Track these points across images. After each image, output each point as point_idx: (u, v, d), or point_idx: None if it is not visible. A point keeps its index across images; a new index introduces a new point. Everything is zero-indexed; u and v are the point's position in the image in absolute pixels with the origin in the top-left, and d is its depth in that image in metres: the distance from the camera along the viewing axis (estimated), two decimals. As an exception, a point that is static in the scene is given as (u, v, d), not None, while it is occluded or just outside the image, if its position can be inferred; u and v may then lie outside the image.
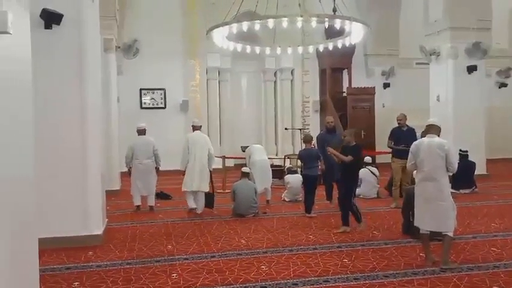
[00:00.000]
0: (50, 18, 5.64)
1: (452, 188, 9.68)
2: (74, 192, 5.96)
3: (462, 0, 11.34)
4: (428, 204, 4.82)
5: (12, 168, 2.95)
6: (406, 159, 7.79)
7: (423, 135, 5.26)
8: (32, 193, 3.47)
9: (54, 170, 5.78)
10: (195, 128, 8.23)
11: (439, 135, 4.91)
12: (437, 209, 4.79)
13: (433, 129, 4.91)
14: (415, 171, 5.10)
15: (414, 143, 5.04)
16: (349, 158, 6.55)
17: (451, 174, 4.97)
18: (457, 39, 11.40)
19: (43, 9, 5.59)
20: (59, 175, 5.86)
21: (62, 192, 5.88)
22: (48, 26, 5.69)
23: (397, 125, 8.50)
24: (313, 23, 9.29)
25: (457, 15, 11.36)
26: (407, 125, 8.36)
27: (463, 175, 9.62)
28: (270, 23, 9.17)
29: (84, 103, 5.96)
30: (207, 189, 7.97)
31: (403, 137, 8.13)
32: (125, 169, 8.78)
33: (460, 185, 9.38)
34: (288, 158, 12.06)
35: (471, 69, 11.40)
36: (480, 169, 11.06)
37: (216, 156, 11.34)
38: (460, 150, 10.34)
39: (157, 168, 8.46)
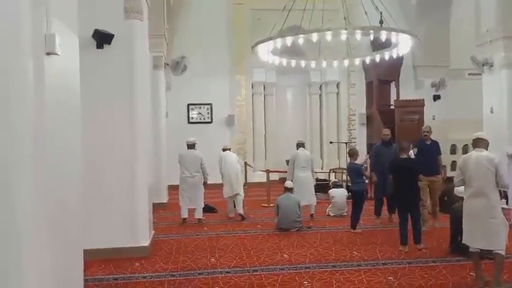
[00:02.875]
0: (102, 39, 5.94)
1: (506, 203, 9.29)
2: (123, 204, 6.17)
3: (517, 7, 10.85)
4: (477, 221, 4.62)
5: (60, 182, 3.12)
6: (431, 175, 7.25)
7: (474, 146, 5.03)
8: (78, 204, 3.64)
9: (104, 182, 6.03)
10: (225, 149, 9.39)
11: (487, 149, 4.71)
12: (487, 226, 4.58)
13: (481, 142, 4.72)
14: (463, 187, 4.89)
15: (462, 157, 4.87)
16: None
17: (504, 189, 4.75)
18: (511, 48, 10.90)
19: (95, 30, 5.90)
20: (108, 187, 6.09)
21: (110, 204, 6.11)
22: (99, 46, 6.00)
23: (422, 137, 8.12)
24: (358, 35, 9.25)
25: (511, 24, 10.89)
26: (431, 139, 8.01)
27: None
28: (314, 36, 9.18)
29: (133, 119, 6.20)
30: (242, 192, 9.03)
31: (426, 150, 7.77)
32: (172, 182, 9.11)
33: (516, 201, 8.88)
34: (333, 171, 11.93)
35: (527, 79, 10.83)
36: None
37: (260, 170, 11.61)
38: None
39: (205, 183, 8.66)
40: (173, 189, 10.47)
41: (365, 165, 8.47)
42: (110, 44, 6.00)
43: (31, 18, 2.37)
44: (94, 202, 5.64)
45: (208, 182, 8.71)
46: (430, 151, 7.81)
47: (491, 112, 11.48)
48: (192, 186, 8.52)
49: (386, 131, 8.73)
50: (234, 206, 8.95)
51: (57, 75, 2.83)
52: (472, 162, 4.65)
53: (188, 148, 8.67)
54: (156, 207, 8.39)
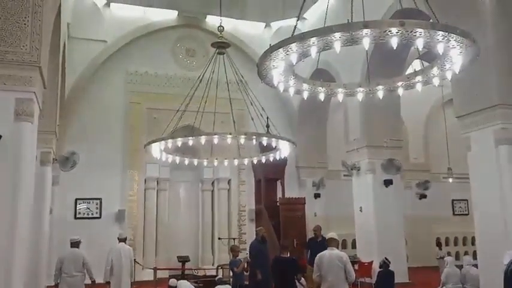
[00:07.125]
0: (-13, 140, 6.00)
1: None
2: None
3: (377, 122, 12.82)
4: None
5: None
6: None
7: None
8: None
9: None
10: (120, 240, 8.88)
11: (337, 247, 5.52)
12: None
13: (333, 242, 5.55)
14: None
15: (318, 254, 5.61)
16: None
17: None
18: (373, 156, 12.70)
19: (-20, 132, 5.97)
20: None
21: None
22: (-16, 147, 6.03)
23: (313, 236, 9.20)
24: (242, 140, 10.27)
25: (373, 135, 12.80)
26: (322, 236, 9.00)
27: (384, 284, 10.18)
28: (202, 139, 10.01)
29: (13, 218, 6.10)
30: None
31: (316, 245, 8.74)
32: (52, 283, 8.56)
33: (381, 293, 9.86)
34: (221, 268, 12.21)
35: (387, 182, 12.53)
36: (402, 277, 11.64)
37: (148, 268, 11.44)
38: (385, 258, 10.97)
39: (93, 282, 8.38)
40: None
41: (247, 260, 8.91)
42: (-5, 145, 6.06)
43: None
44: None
45: (95, 281, 8.41)
46: (319, 246, 8.60)
47: (361, 211, 12.96)
48: (73, 287, 8.18)
49: (262, 229, 9.45)
50: None
51: None
52: (325, 259, 5.41)
53: (71, 246, 8.40)
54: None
